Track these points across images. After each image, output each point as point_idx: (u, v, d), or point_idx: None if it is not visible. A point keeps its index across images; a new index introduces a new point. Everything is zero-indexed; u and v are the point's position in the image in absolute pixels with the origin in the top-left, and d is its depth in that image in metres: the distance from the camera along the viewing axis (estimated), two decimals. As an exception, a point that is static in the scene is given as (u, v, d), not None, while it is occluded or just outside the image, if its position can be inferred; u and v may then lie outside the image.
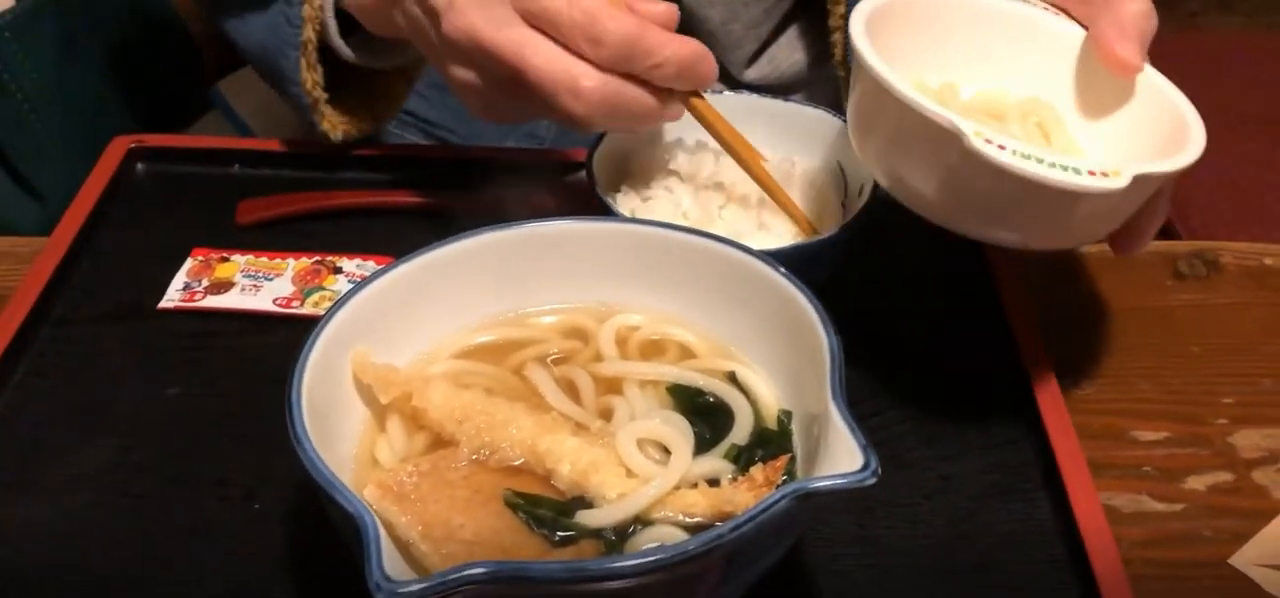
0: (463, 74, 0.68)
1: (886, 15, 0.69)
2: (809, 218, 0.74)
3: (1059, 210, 0.62)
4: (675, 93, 0.68)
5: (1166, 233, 1.35)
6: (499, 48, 0.64)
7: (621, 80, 0.65)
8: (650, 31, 0.64)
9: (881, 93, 0.63)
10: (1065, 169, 0.57)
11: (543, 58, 0.64)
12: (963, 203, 0.64)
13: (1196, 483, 0.68)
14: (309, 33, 0.79)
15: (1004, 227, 0.64)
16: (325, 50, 0.81)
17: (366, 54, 0.82)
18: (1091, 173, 0.57)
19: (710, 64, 0.68)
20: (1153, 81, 0.69)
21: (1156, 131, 0.68)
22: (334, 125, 0.84)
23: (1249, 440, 0.71)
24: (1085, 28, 0.71)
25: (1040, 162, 0.57)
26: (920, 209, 0.66)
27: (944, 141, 0.59)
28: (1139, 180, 0.58)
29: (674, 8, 0.67)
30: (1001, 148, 0.58)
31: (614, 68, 0.65)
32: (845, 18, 0.93)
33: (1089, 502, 0.63)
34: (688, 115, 0.70)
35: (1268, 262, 0.84)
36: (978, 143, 0.58)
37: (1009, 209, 0.62)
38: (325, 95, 0.82)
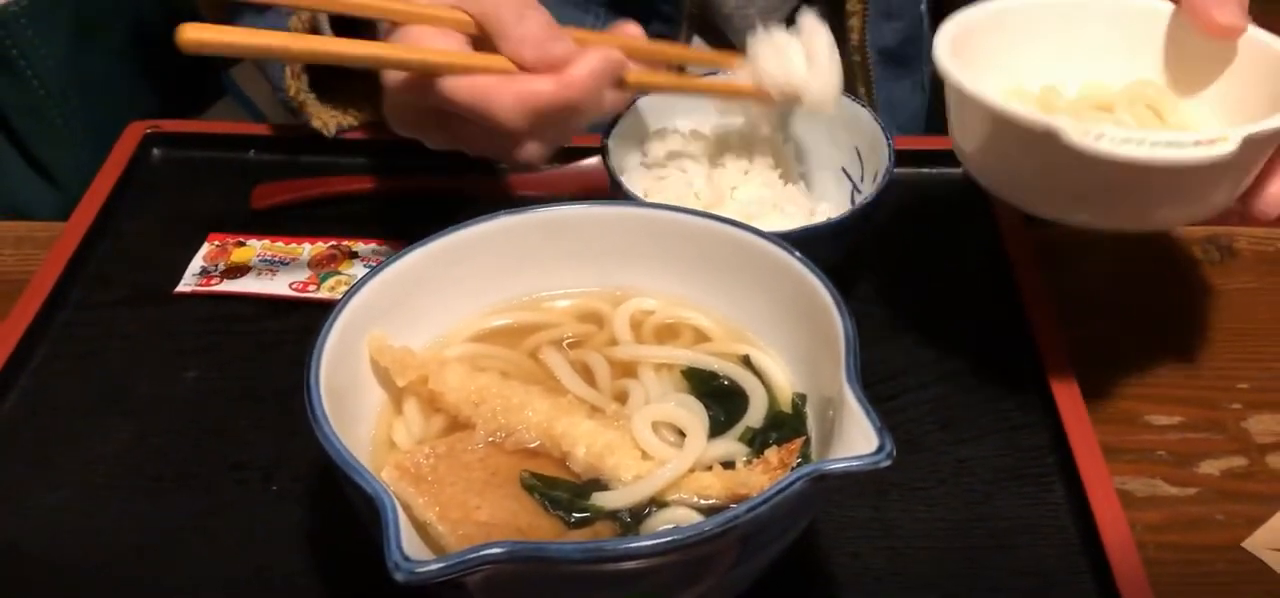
0: (407, 133, 0.70)
1: (975, 31, 0.68)
2: (822, 203, 0.74)
3: (1174, 187, 0.61)
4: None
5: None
6: (435, 140, 0.69)
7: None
8: (566, 94, 0.65)
9: (973, 107, 0.63)
10: (1170, 145, 0.57)
11: (480, 146, 0.68)
12: (1080, 198, 0.63)
13: (1210, 467, 0.68)
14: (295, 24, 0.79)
15: (1127, 214, 0.64)
16: None
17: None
18: (1197, 143, 0.57)
19: (626, 66, 0.68)
20: (1256, 39, 0.68)
21: (1267, 87, 0.67)
22: (325, 121, 0.84)
23: (1263, 425, 0.71)
24: (1175, 1, 0.70)
25: (1141, 143, 0.57)
26: (1044, 213, 0.65)
27: (1045, 143, 0.58)
28: (1249, 142, 0.57)
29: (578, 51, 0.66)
30: (1100, 137, 0.57)
31: (547, 137, 0.67)
32: (863, 1, 0.92)
33: (1103, 485, 0.63)
34: (702, 96, 0.71)
35: (1283, 247, 0.84)
36: (1076, 136, 0.57)
37: (1126, 196, 0.62)
38: (312, 96, 0.83)
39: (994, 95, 0.61)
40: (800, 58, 0.72)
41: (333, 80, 0.85)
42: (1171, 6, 0.71)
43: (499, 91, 0.63)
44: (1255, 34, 0.68)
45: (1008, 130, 0.61)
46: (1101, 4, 0.73)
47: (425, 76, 0.64)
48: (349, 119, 0.86)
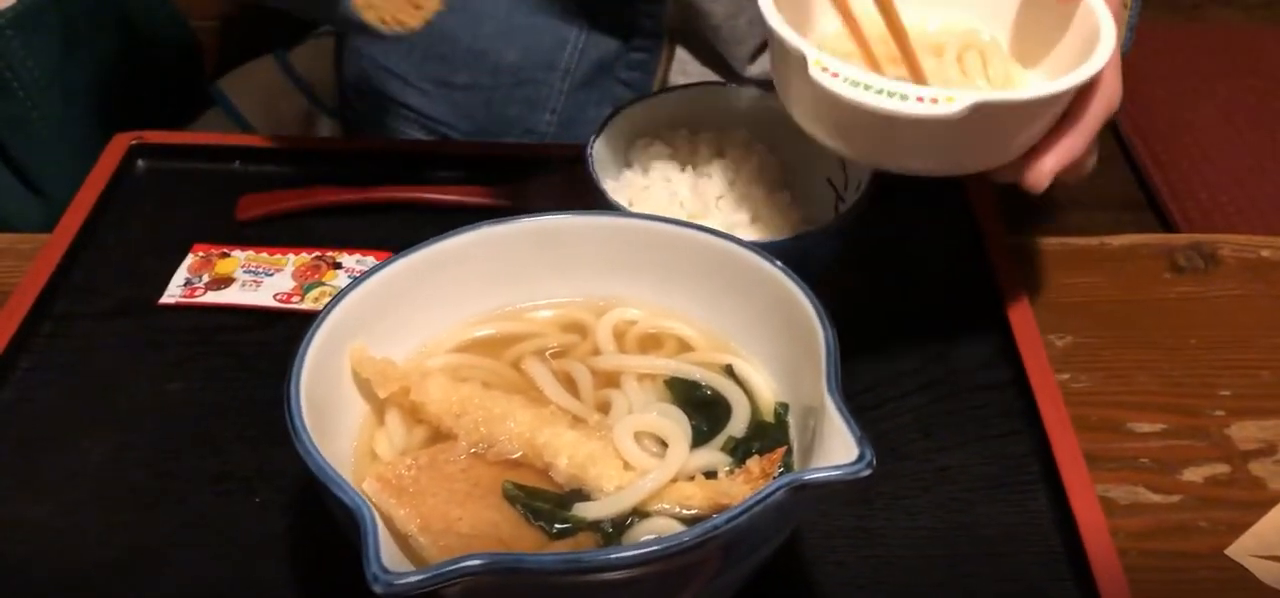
0: None
1: None
2: (806, 212, 0.74)
3: (915, 138, 0.63)
4: None
5: (1165, 225, 1.35)
6: None
7: None
8: None
9: (766, 30, 0.64)
10: (892, 95, 0.58)
11: None
12: (842, 133, 0.65)
13: (1193, 475, 0.69)
14: None
15: (880, 155, 0.65)
16: None
17: None
18: (920, 99, 0.58)
19: None
20: (1090, 9, 0.68)
21: (1076, 54, 0.67)
22: (368, 3, 0.73)
23: (1246, 432, 0.71)
24: None
25: (867, 89, 0.59)
26: (825, 144, 0.67)
27: (799, 68, 0.61)
28: (982, 109, 0.59)
29: None
30: (835, 75, 0.59)
31: None
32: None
33: (1086, 494, 0.64)
34: (688, 107, 0.70)
35: (1265, 254, 0.84)
36: (814, 71, 0.60)
37: (871, 136, 0.64)
38: None
39: (776, 20, 0.62)
40: None
41: None
42: None
43: None
44: (1091, 5, 0.68)
45: (780, 52, 0.63)
46: None
47: None
48: (388, 14, 0.74)
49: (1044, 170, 0.65)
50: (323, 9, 0.76)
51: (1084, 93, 0.65)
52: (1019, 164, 0.66)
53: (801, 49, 0.61)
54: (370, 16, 0.72)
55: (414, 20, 0.74)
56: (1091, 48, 0.65)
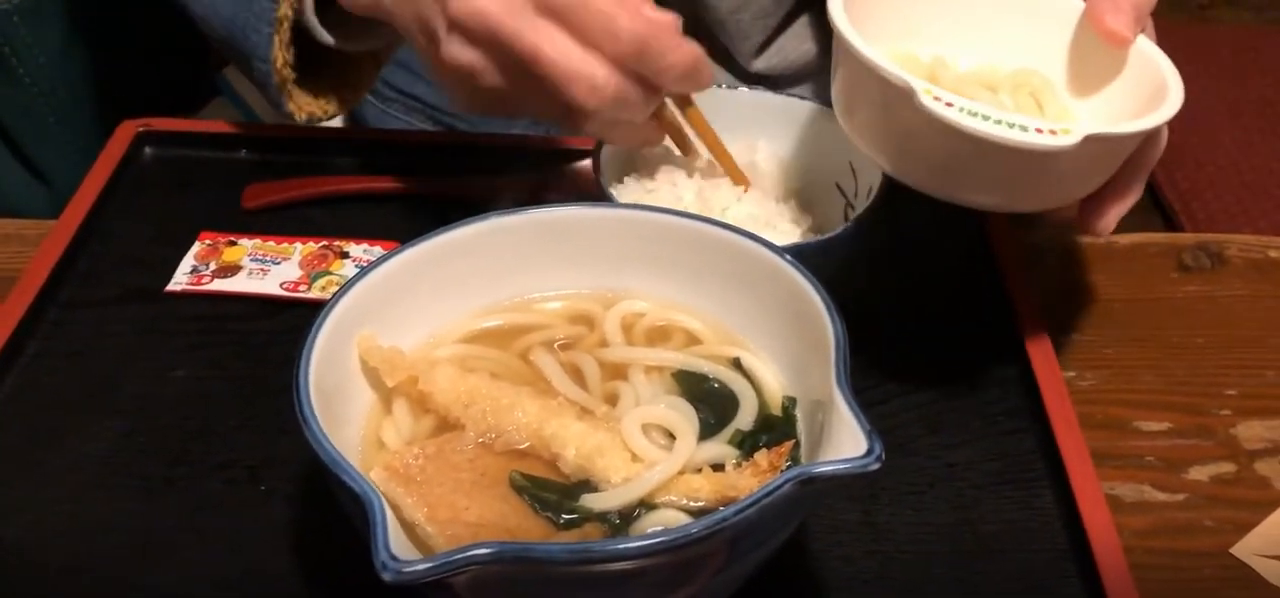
0: (465, 57, 0.66)
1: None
2: (815, 218, 0.74)
3: (1013, 169, 0.63)
4: (665, 104, 0.70)
5: (1172, 225, 1.35)
6: (515, 34, 0.64)
7: (630, 79, 0.65)
8: (662, 32, 0.65)
9: (847, 56, 0.64)
10: (1012, 126, 0.58)
11: (559, 48, 0.63)
12: (928, 165, 0.65)
13: (1199, 473, 0.69)
14: (285, 9, 0.78)
15: (969, 188, 0.65)
16: (296, 30, 0.80)
17: (340, 35, 0.80)
18: (1039, 131, 0.58)
19: (708, 71, 0.69)
20: (1144, 51, 0.69)
21: (1140, 99, 0.68)
22: (299, 107, 0.82)
23: (1252, 432, 0.71)
24: None
25: (986, 119, 0.58)
26: (905, 179, 0.67)
27: (899, 102, 0.60)
28: (1092, 141, 0.59)
29: (677, 17, 0.67)
30: (949, 105, 0.59)
31: (625, 65, 0.64)
32: None
33: (1091, 491, 0.64)
34: (702, 108, 0.70)
35: (1273, 254, 0.84)
36: (927, 100, 0.59)
37: (967, 169, 0.63)
38: (293, 75, 0.81)
39: (873, 52, 0.62)
40: None
41: (308, 69, 0.83)
42: (1080, 3, 0.72)
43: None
44: (1145, 47, 0.69)
45: (873, 84, 0.62)
46: None
47: None
48: (320, 111, 0.84)
49: (1112, 216, 0.67)
50: (265, 92, 0.82)
51: (1150, 137, 0.66)
52: (1083, 208, 0.67)
53: (908, 80, 0.60)
54: (299, 117, 0.82)
55: (333, 113, 0.84)
56: (1143, 90, 0.66)
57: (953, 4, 0.74)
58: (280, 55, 0.79)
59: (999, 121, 0.58)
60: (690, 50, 0.66)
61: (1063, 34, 0.73)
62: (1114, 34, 0.68)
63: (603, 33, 0.63)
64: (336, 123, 1.12)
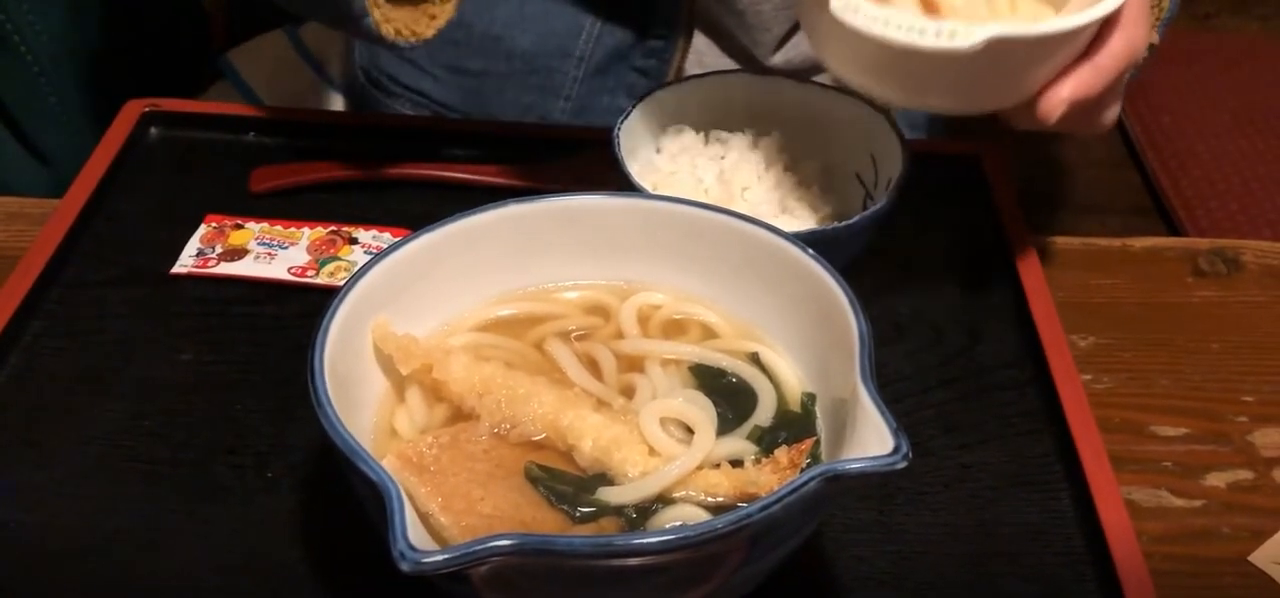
0: None
1: None
2: (834, 207, 0.73)
3: (923, 70, 0.63)
4: None
5: (1173, 232, 1.35)
6: None
7: None
8: None
9: None
10: (911, 29, 0.60)
11: None
12: (871, 73, 0.66)
13: (1216, 480, 0.68)
14: None
15: (913, 91, 0.66)
16: None
17: None
18: (938, 34, 0.59)
19: None
20: None
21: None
22: (386, 16, 0.72)
23: (1269, 439, 0.70)
24: None
25: (887, 23, 0.60)
26: (860, 89, 0.69)
27: (820, 11, 0.62)
28: (998, 44, 0.59)
29: None
30: (856, 10, 0.61)
31: None
32: None
33: (1110, 494, 0.63)
34: (723, 94, 0.70)
35: (1288, 261, 0.84)
36: (837, 8, 0.61)
37: (891, 72, 0.65)
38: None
39: None
40: None
41: None
42: None
43: None
44: None
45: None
46: None
47: None
48: (406, 28, 0.74)
49: (1058, 97, 0.64)
50: (347, 25, 0.74)
51: (1104, 31, 0.64)
52: (1034, 102, 0.65)
53: None
54: (387, 30, 0.72)
55: (428, 30, 0.75)
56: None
57: None
58: None
59: (899, 26, 0.60)
60: None
61: None
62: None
63: None
64: (339, 104, 1.11)
